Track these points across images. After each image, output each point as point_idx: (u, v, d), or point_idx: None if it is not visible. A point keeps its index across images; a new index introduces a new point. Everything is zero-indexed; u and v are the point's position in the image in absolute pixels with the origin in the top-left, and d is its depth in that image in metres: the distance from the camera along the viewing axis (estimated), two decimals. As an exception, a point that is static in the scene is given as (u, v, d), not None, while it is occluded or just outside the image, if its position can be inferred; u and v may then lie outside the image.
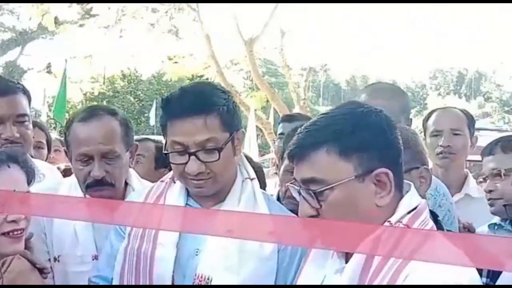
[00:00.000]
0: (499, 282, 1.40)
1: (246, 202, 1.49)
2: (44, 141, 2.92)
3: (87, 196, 1.72)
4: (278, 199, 1.89)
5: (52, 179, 2.03)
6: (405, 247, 1.03)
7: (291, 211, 1.77)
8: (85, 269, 1.64)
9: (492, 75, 34.59)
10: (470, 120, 2.38)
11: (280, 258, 1.47)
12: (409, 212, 1.14)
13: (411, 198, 1.17)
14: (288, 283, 1.47)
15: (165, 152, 1.46)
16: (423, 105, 29.42)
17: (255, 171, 1.59)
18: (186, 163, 1.42)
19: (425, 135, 2.40)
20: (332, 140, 1.12)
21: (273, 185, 2.83)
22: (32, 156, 2.07)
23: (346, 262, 1.17)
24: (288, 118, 3.07)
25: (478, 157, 2.40)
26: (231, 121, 1.47)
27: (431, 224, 1.16)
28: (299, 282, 1.25)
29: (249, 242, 1.44)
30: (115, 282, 1.48)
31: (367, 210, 1.13)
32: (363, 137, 1.13)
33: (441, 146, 2.29)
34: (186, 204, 1.51)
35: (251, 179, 1.55)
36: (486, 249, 0.83)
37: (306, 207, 1.15)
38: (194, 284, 1.43)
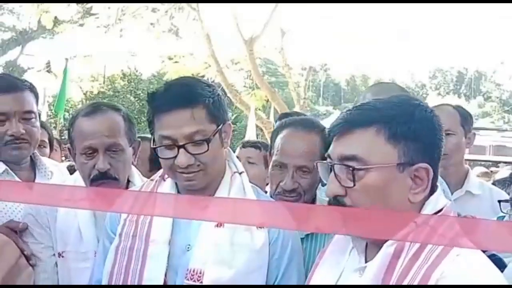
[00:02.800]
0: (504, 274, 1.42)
1: (236, 195, 1.50)
2: (47, 140, 2.94)
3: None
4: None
5: (60, 176, 2.04)
6: (431, 250, 1.02)
7: None
8: (88, 265, 1.65)
9: (492, 74, 34.59)
10: (464, 117, 2.33)
11: (271, 250, 1.47)
12: (436, 213, 1.11)
13: (437, 199, 1.13)
14: (279, 276, 1.48)
15: (153, 146, 1.46)
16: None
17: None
18: (175, 156, 1.42)
19: None
20: (384, 121, 1.10)
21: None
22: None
23: (366, 262, 1.13)
24: (284, 116, 3.08)
25: (476, 157, 2.43)
26: (218, 113, 1.47)
27: (457, 228, 1.06)
28: (313, 279, 1.21)
29: (240, 235, 1.45)
30: (105, 281, 1.48)
31: (398, 202, 1.09)
32: (414, 128, 1.10)
33: None
34: None
35: (240, 173, 1.56)
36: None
37: (336, 186, 1.11)
38: (186, 278, 1.43)
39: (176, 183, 1.54)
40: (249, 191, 1.54)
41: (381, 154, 1.09)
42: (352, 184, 1.09)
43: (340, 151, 1.12)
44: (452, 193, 2.26)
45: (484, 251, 1.50)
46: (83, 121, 1.75)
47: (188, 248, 1.47)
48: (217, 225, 1.46)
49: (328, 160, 1.15)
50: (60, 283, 1.70)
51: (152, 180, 1.59)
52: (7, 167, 1.92)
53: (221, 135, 1.48)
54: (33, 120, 1.95)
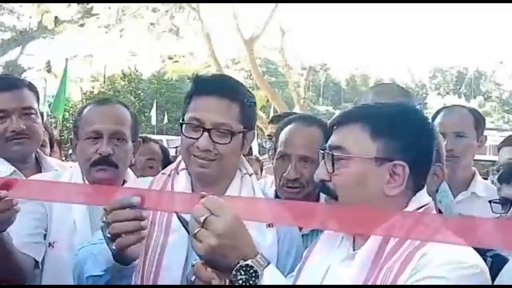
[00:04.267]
0: (504, 270, 1.43)
1: (247, 195, 1.53)
2: (47, 140, 2.94)
3: (89, 178, 1.73)
4: (277, 196, 1.91)
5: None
6: (419, 233, 1.11)
7: (286, 199, 1.79)
8: None
9: (492, 74, 34.61)
10: (478, 120, 2.33)
11: (279, 247, 1.51)
12: (419, 208, 1.21)
13: (421, 197, 1.23)
14: (286, 274, 1.50)
15: (181, 122, 1.51)
16: (423, 105, 29.50)
17: None
18: (198, 138, 1.46)
19: None
20: (369, 119, 1.22)
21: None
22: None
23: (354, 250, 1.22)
24: (276, 119, 3.11)
25: (475, 157, 2.42)
26: (249, 118, 1.52)
27: (438, 224, 1.19)
28: (304, 271, 1.29)
29: (250, 232, 1.48)
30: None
31: (374, 192, 1.19)
32: (396, 129, 1.21)
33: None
34: None
35: (250, 175, 1.60)
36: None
37: (323, 171, 1.23)
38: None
39: (190, 175, 1.56)
40: (258, 191, 1.58)
41: (361, 147, 1.21)
42: (332, 170, 1.21)
43: (331, 141, 1.25)
44: (457, 195, 2.25)
45: (485, 252, 1.52)
46: (92, 108, 1.80)
47: None
48: None
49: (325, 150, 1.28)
50: (48, 273, 1.70)
51: (163, 173, 1.60)
52: (16, 169, 1.93)
53: (244, 138, 1.53)
54: (33, 116, 1.96)
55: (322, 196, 1.90)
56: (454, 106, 2.53)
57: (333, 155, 1.21)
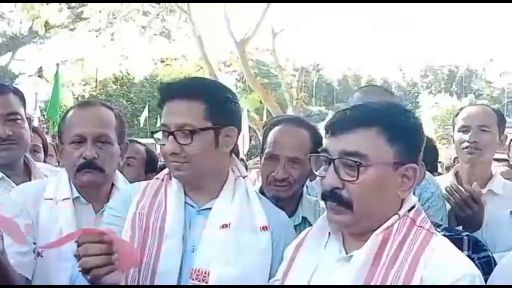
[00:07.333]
0: (495, 270, 1.44)
1: (240, 198, 1.52)
2: (41, 145, 2.94)
3: (75, 182, 1.72)
4: (262, 193, 1.91)
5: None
6: (413, 241, 1.17)
7: (274, 197, 1.81)
8: (68, 265, 1.64)
9: (483, 72, 34.82)
10: (501, 118, 2.38)
11: (274, 251, 1.50)
12: (411, 209, 1.23)
13: (410, 197, 1.25)
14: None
15: (152, 130, 1.53)
16: (415, 104, 29.56)
17: None
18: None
19: (453, 130, 2.41)
20: (386, 123, 1.20)
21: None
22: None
23: (346, 253, 1.23)
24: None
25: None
26: (221, 113, 1.49)
27: (429, 221, 1.25)
28: (291, 270, 1.30)
29: (245, 236, 1.48)
30: None
31: (390, 198, 1.21)
32: (408, 131, 1.23)
33: (467, 141, 2.30)
34: (185, 202, 1.53)
35: (243, 177, 1.58)
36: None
37: (334, 178, 1.19)
38: (192, 278, 1.44)
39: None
40: (253, 195, 1.57)
41: (381, 152, 1.19)
42: (354, 178, 1.18)
43: (342, 147, 1.20)
44: None
45: (479, 252, 1.55)
46: (74, 112, 1.78)
47: (193, 249, 1.48)
48: (222, 226, 1.48)
49: (324, 154, 1.22)
50: (36, 282, 1.68)
51: (157, 178, 1.59)
52: (3, 175, 1.92)
53: (217, 136, 1.50)
54: (19, 121, 1.96)
55: (305, 192, 1.94)
56: (479, 104, 2.61)
57: (356, 162, 1.17)
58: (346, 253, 1.23)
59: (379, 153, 1.19)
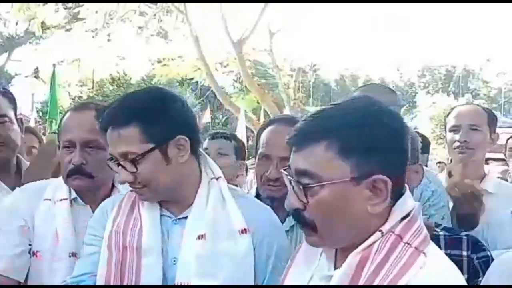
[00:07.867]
0: (489, 272, 1.43)
1: (214, 202, 1.47)
2: (37, 146, 2.92)
3: (68, 185, 1.70)
4: (258, 194, 1.90)
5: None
6: (395, 261, 1.01)
7: (268, 197, 1.80)
8: (62, 265, 1.63)
9: (480, 72, 34.86)
10: (492, 117, 2.38)
11: (257, 253, 1.46)
12: (402, 219, 1.07)
13: (404, 203, 1.08)
14: (267, 276, 1.47)
15: (108, 158, 1.48)
16: (412, 103, 29.59)
17: None
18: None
19: (445, 130, 2.42)
20: (334, 135, 1.05)
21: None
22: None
23: (335, 269, 1.11)
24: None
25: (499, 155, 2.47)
26: (158, 130, 1.41)
27: (424, 233, 1.07)
28: (287, 281, 1.20)
29: (222, 244, 1.44)
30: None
31: (357, 215, 1.05)
32: (367, 138, 1.04)
33: (458, 141, 2.30)
34: (161, 214, 1.49)
35: (217, 178, 1.52)
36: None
37: (294, 199, 1.08)
38: None
39: None
40: (228, 196, 1.50)
41: (333, 170, 1.04)
42: (306, 201, 1.05)
43: (295, 165, 1.08)
44: None
45: (478, 252, 1.54)
46: (68, 116, 1.77)
47: (174, 261, 1.45)
48: (198, 237, 1.44)
49: (289, 171, 1.11)
50: (31, 283, 1.68)
51: (132, 190, 1.52)
52: None
53: (165, 153, 1.42)
54: (7, 123, 1.93)
55: None
56: (469, 104, 2.63)
57: (302, 185, 1.04)
58: (335, 268, 1.11)
59: (330, 170, 1.03)
